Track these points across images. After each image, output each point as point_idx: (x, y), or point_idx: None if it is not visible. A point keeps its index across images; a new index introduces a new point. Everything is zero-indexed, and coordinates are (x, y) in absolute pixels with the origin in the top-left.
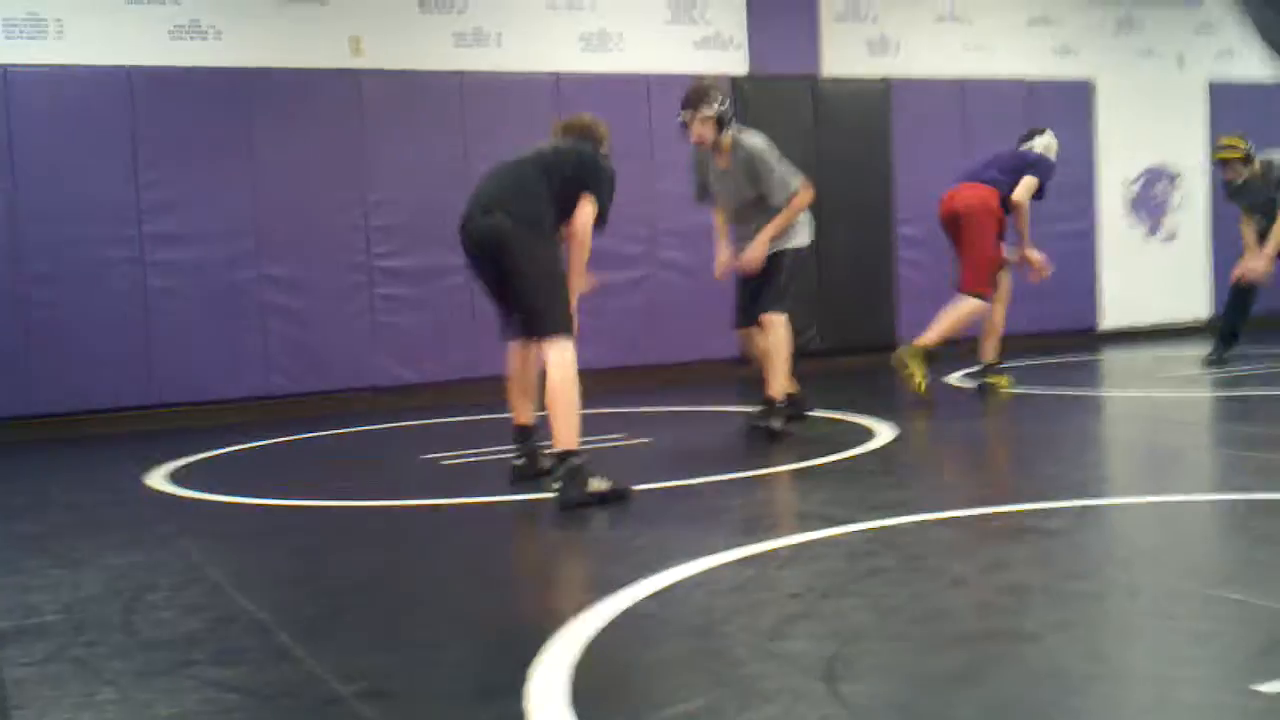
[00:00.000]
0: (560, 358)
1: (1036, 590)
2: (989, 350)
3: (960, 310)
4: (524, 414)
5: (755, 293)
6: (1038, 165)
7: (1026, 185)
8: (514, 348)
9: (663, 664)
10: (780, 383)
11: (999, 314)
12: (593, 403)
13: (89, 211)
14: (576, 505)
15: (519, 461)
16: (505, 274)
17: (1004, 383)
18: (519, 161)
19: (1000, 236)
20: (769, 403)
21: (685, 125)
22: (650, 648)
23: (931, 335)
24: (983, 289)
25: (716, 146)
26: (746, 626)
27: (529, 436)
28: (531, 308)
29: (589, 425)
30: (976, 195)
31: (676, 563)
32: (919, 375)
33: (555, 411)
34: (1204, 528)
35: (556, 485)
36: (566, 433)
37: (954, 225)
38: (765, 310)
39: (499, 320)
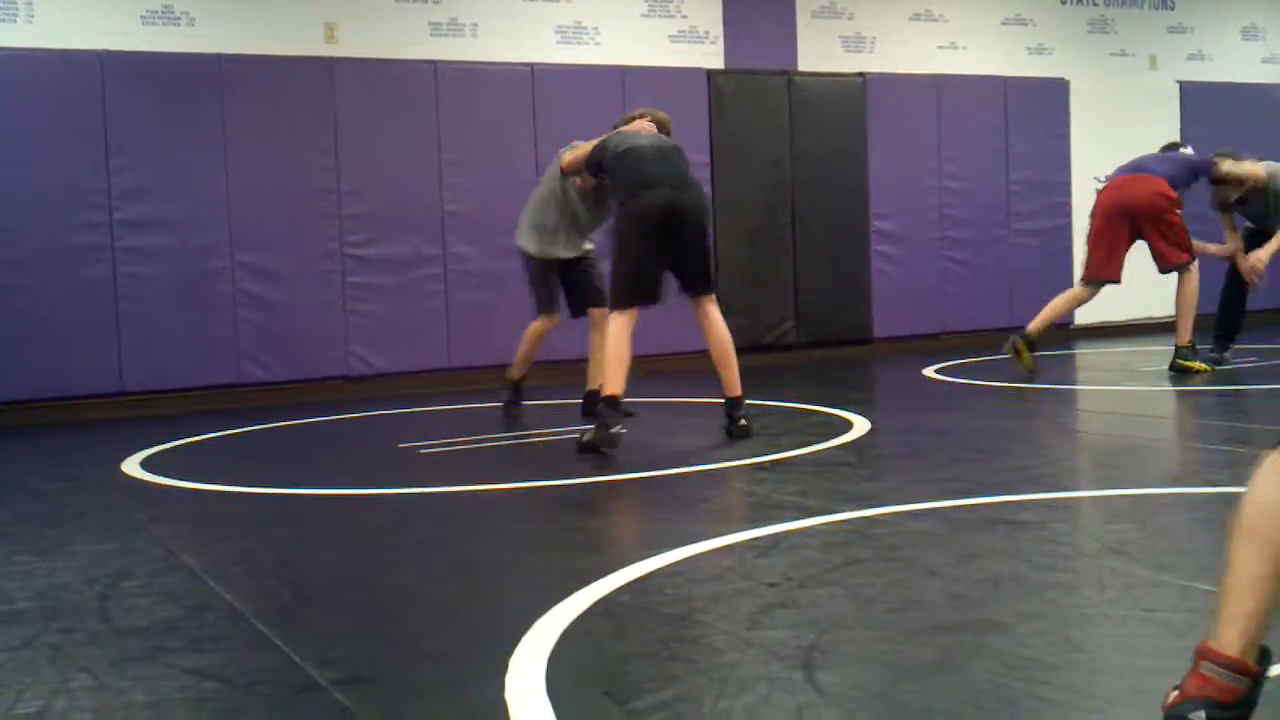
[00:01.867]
0: (720, 314)
1: (1009, 581)
2: (1039, 324)
3: (1184, 293)
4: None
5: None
6: (1205, 168)
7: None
8: (632, 323)
9: (640, 653)
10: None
11: (1067, 305)
12: (570, 393)
13: (59, 197)
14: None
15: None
16: (685, 240)
17: (1029, 362)
18: (672, 149)
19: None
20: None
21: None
22: (627, 637)
23: (1182, 330)
24: (1184, 259)
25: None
26: (724, 616)
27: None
28: (707, 272)
29: (566, 415)
30: (1148, 188)
31: (653, 552)
32: (1197, 365)
33: (730, 361)
34: (1176, 521)
35: (743, 423)
36: (738, 380)
37: (1124, 218)
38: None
39: (646, 290)
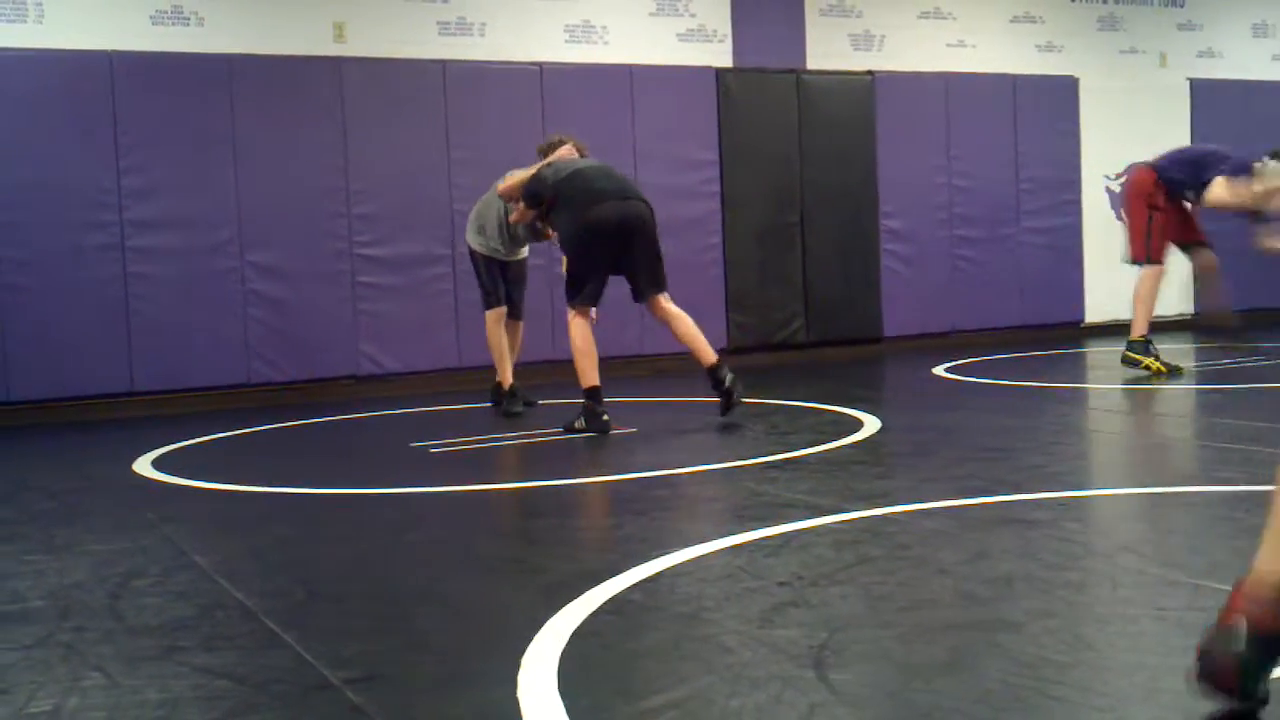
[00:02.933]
0: (670, 300)
1: (1021, 580)
2: (1139, 325)
3: (1139, 287)
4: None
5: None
6: (1219, 162)
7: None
8: (587, 319)
9: (651, 652)
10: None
11: (1150, 292)
12: (577, 393)
13: (69, 197)
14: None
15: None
16: (636, 247)
17: (1162, 366)
18: (610, 167)
19: (1158, 210)
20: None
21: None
22: (639, 636)
23: (1135, 323)
24: (1139, 257)
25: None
26: (735, 614)
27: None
28: (660, 270)
29: (574, 414)
30: (1134, 176)
31: (664, 551)
32: (1153, 364)
33: (698, 335)
34: (1188, 519)
35: (731, 379)
36: (709, 347)
37: (1122, 205)
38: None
39: (593, 292)
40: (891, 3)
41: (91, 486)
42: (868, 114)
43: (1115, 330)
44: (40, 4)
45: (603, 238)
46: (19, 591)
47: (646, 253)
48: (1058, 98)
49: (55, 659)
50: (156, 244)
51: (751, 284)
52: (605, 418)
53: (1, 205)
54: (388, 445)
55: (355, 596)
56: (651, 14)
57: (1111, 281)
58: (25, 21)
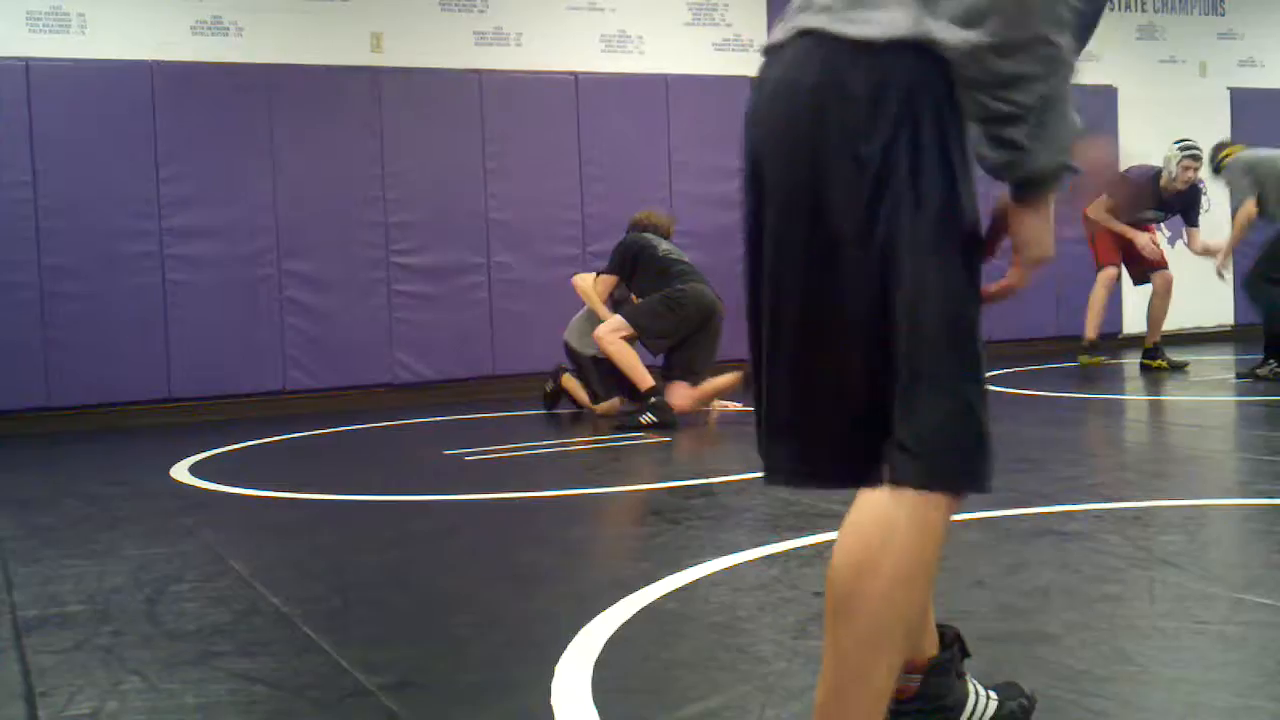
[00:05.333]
0: None
1: (1059, 592)
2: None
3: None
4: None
5: None
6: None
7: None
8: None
9: (686, 661)
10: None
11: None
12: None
13: (110, 205)
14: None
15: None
16: (710, 331)
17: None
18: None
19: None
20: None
21: None
22: (673, 645)
23: (1088, 328)
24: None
25: None
26: (770, 624)
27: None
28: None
29: (609, 424)
30: None
31: (698, 560)
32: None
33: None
34: (1227, 532)
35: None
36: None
37: None
38: None
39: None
40: None
41: (130, 492)
42: None
43: None
44: (83, 14)
45: (690, 311)
46: (58, 595)
47: (716, 340)
48: (1096, 107)
49: (94, 662)
50: (195, 252)
51: None
52: (671, 410)
53: (43, 213)
54: (422, 453)
55: (390, 603)
56: (687, 24)
57: (1149, 292)
58: (68, 32)
